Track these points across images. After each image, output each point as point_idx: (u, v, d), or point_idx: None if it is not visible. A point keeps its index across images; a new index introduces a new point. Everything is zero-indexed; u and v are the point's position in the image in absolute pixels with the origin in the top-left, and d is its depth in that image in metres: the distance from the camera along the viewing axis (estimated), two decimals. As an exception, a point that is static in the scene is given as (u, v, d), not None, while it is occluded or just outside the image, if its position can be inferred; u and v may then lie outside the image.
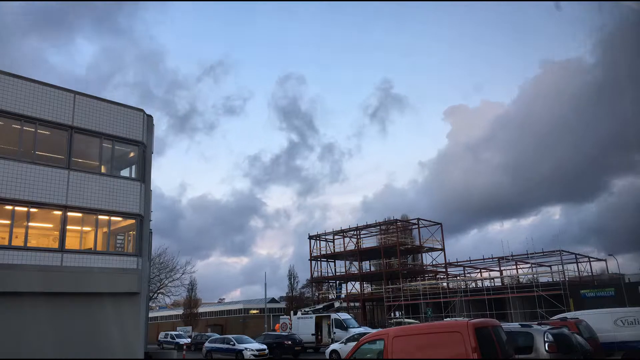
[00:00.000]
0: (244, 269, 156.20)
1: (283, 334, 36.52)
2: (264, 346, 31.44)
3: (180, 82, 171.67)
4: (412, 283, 55.45)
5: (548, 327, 12.85)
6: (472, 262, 58.79)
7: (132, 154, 20.98)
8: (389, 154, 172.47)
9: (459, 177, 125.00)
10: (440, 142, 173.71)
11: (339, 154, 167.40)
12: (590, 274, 53.22)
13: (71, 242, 18.16)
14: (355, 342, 12.76)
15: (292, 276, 70.68)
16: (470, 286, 50.85)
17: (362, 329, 33.66)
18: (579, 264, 53.27)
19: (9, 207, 16.85)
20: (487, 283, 54.06)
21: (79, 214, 18.57)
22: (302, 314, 41.08)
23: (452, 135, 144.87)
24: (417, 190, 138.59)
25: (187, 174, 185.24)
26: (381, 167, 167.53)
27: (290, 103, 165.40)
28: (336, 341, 30.90)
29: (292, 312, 44.95)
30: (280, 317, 49.80)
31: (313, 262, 64.19)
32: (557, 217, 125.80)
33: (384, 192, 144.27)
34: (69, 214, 18.06)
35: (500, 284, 51.86)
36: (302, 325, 38.49)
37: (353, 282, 65.36)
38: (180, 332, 57.26)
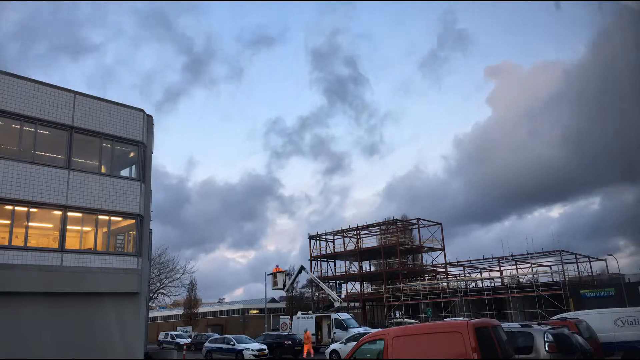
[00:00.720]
0: (250, 265, 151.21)
1: (283, 333, 36.54)
2: (264, 346, 31.45)
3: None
4: (412, 283, 55.46)
5: (548, 327, 12.83)
6: (472, 262, 58.80)
7: (132, 154, 20.98)
8: (432, 120, 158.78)
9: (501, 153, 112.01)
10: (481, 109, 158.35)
11: (377, 118, 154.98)
12: (590, 274, 53.22)
13: (71, 242, 18.16)
14: (355, 342, 12.76)
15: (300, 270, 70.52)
16: (470, 286, 50.84)
17: (362, 329, 33.67)
18: (579, 264, 53.28)
19: (9, 207, 16.84)
20: (487, 283, 54.09)
21: (79, 214, 18.56)
22: (302, 314, 41.16)
23: (495, 101, 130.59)
24: (450, 171, 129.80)
25: (195, 146, 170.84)
26: (418, 139, 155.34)
27: (327, 42, 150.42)
28: (336, 341, 30.91)
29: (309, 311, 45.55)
30: (281, 317, 49.86)
31: (313, 262, 64.29)
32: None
33: (411, 176, 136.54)
34: (69, 214, 18.05)
35: (500, 284, 51.86)
36: (302, 325, 38.48)
37: (353, 282, 65.42)
38: (180, 332, 57.24)
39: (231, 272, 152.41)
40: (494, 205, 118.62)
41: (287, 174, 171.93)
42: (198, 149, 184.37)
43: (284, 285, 46.88)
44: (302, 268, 49.64)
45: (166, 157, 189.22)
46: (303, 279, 69.63)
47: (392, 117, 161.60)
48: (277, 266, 46.85)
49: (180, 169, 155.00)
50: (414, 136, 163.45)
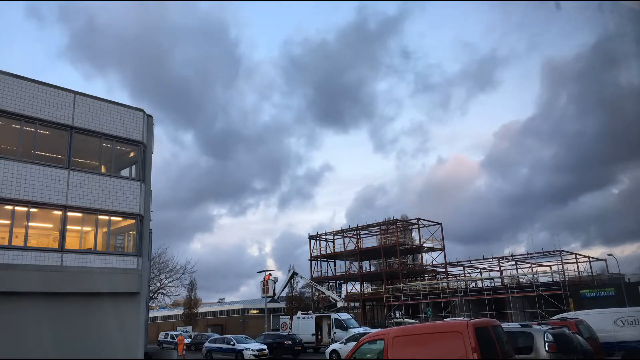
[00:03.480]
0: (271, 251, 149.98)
1: (283, 333, 36.53)
2: (264, 346, 31.44)
3: None
4: (412, 283, 55.47)
5: (548, 327, 12.83)
6: (472, 262, 58.84)
7: (132, 154, 20.99)
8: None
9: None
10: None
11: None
12: (590, 274, 53.21)
13: (71, 242, 18.16)
14: (355, 342, 12.76)
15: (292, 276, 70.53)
16: (470, 286, 50.84)
17: (362, 329, 33.65)
18: (579, 264, 53.29)
19: (9, 207, 16.85)
20: (487, 283, 54.08)
21: (79, 214, 18.57)
22: (302, 314, 41.15)
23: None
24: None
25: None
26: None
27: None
28: (336, 341, 30.89)
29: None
30: (281, 317, 49.84)
31: (313, 262, 64.28)
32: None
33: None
34: (69, 214, 18.05)
35: (500, 284, 51.86)
36: (302, 325, 38.49)
37: (353, 282, 65.39)
38: (180, 332, 57.23)
39: (250, 257, 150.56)
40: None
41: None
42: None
43: (274, 294, 46.63)
44: (294, 274, 49.59)
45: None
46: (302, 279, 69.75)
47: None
48: (269, 274, 46.48)
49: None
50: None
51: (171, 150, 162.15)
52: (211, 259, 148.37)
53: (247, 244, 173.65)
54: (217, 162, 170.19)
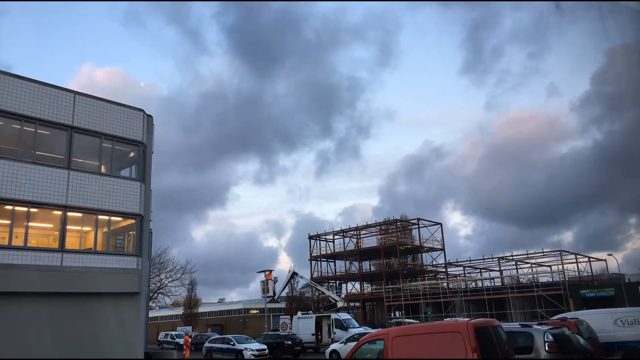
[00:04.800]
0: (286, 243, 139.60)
1: (283, 333, 36.53)
2: (264, 346, 31.44)
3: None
4: (412, 283, 55.48)
5: (548, 327, 12.83)
6: (472, 262, 58.84)
7: (132, 154, 20.98)
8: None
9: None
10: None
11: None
12: (590, 274, 53.23)
13: (71, 242, 18.16)
14: (355, 342, 12.76)
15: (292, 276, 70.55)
16: (470, 286, 50.85)
17: (362, 329, 33.65)
18: (579, 264, 53.29)
19: (9, 207, 16.85)
20: (487, 283, 54.10)
21: (79, 214, 18.56)
22: (302, 314, 41.15)
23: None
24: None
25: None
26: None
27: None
28: (336, 341, 30.89)
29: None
30: (281, 317, 49.84)
31: (313, 262, 64.28)
32: None
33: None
34: (69, 214, 18.05)
35: (500, 284, 51.88)
36: (302, 325, 38.48)
37: (353, 282, 65.40)
38: (180, 332, 57.23)
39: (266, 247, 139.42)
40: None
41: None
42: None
43: (274, 293, 46.73)
44: (294, 274, 49.50)
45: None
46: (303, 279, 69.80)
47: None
48: (270, 272, 46.56)
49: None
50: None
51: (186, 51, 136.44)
52: (219, 249, 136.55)
53: (266, 228, 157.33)
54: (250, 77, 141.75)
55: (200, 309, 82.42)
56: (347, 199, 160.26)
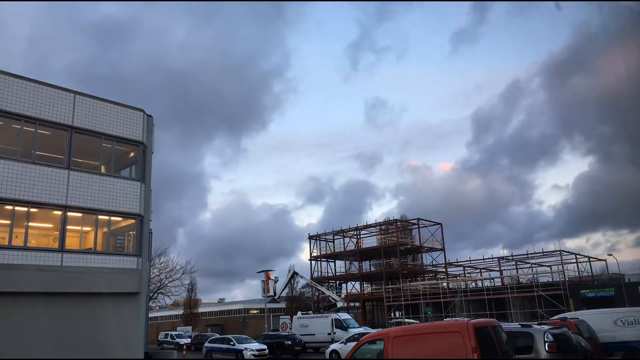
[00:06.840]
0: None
1: (283, 333, 36.51)
2: (264, 346, 31.44)
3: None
4: (412, 283, 55.48)
5: (548, 327, 12.84)
6: (472, 262, 58.85)
7: (132, 154, 20.98)
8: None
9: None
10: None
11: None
12: (590, 274, 53.23)
13: (71, 242, 18.16)
14: (355, 342, 12.76)
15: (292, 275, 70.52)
16: (470, 286, 50.85)
17: (362, 329, 33.65)
18: (579, 264, 53.29)
19: (9, 207, 16.84)
20: (487, 283, 54.10)
21: (79, 214, 18.56)
22: (302, 314, 41.13)
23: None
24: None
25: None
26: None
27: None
28: (336, 341, 30.89)
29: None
30: (281, 317, 49.85)
31: (313, 262, 64.27)
32: None
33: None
34: (69, 214, 18.04)
35: (500, 284, 51.88)
36: (320, 325, 38.22)
37: (353, 282, 65.41)
38: (180, 332, 57.25)
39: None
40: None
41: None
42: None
43: (275, 293, 46.71)
44: (294, 274, 49.58)
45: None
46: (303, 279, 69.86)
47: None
48: (269, 272, 46.54)
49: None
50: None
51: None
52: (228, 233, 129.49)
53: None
54: None
55: (200, 309, 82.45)
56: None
